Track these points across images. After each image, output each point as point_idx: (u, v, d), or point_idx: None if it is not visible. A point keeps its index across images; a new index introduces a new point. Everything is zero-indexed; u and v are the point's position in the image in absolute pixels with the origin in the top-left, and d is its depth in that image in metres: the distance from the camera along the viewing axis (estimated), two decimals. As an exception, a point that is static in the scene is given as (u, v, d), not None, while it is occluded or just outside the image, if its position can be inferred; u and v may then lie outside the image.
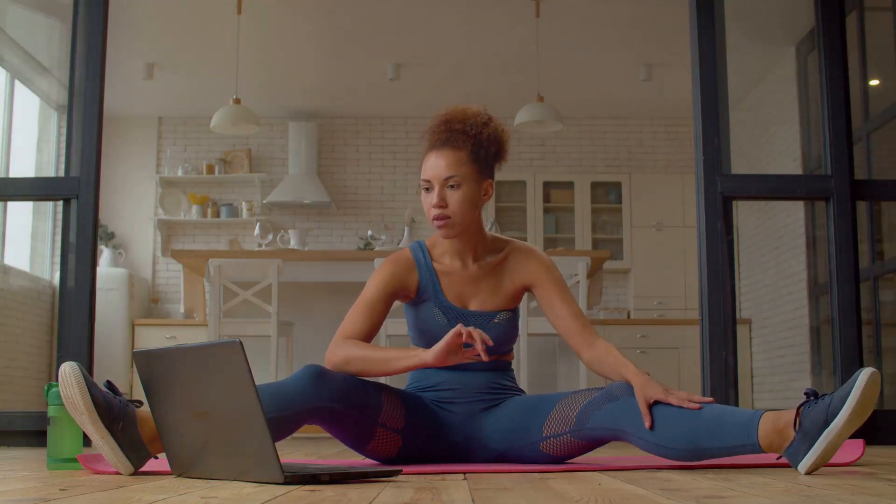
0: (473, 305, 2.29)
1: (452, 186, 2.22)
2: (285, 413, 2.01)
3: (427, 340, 2.26)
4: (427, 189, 2.25)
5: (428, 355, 2.05)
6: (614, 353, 2.17)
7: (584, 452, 2.20)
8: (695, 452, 1.97)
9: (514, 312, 2.33)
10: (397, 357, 2.11)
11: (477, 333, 1.99)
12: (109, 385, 1.96)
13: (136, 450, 1.91)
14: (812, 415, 1.87)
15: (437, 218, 2.23)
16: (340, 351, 2.15)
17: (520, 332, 4.01)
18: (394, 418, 2.18)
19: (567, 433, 2.14)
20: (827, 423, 1.83)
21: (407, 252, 2.33)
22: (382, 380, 2.19)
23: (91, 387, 1.88)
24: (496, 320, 2.29)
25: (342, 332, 2.22)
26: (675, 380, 7.30)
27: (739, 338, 5.15)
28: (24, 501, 1.38)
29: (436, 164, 2.23)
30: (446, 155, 2.23)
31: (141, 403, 1.96)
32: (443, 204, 2.21)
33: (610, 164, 8.55)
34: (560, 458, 2.18)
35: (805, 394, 1.92)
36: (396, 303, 2.35)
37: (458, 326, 2.01)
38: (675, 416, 1.99)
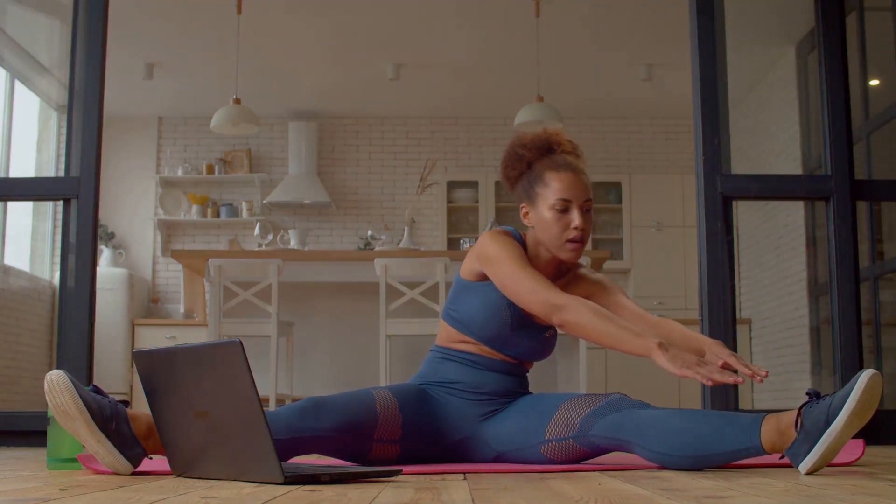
0: (536, 318, 2.28)
1: (587, 210, 2.24)
2: (276, 438, 2.00)
3: (475, 326, 2.25)
4: (562, 210, 2.22)
5: (665, 356, 1.98)
6: (678, 326, 2.26)
7: (585, 459, 2.20)
8: (699, 460, 1.97)
9: (556, 329, 2.37)
10: (630, 341, 2.04)
11: (742, 364, 1.99)
12: (95, 388, 1.96)
13: (131, 448, 1.90)
14: (813, 415, 1.87)
15: (574, 240, 2.22)
16: (584, 314, 2.09)
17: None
18: (390, 431, 2.17)
19: (570, 438, 2.14)
20: (828, 424, 1.83)
21: (512, 238, 2.29)
22: (382, 385, 2.18)
23: (80, 391, 1.87)
24: (547, 335, 2.33)
25: (551, 294, 2.13)
26: (674, 380, 7.30)
27: (739, 338, 5.14)
28: (24, 501, 1.38)
29: (577, 184, 2.23)
30: (583, 177, 2.25)
31: (128, 403, 1.96)
32: (586, 226, 2.22)
33: (610, 164, 8.55)
34: (560, 463, 2.18)
35: (807, 394, 1.92)
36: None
37: (731, 356, 2.02)
38: (678, 425, 1.99)
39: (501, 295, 2.24)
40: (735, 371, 2.02)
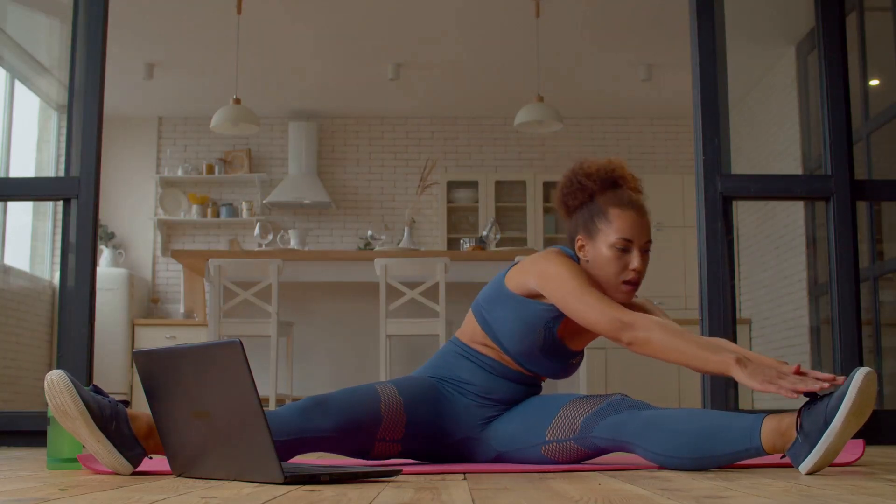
0: (569, 343, 2.26)
1: (646, 251, 2.21)
2: (277, 439, 2.00)
3: (504, 337, 2.22)
4: (622, 249, 2.17)
5: (744, 373, 1.91)
6: (728, 342, 2.25)
7: (586, 460, 2.19)
8: (700, 461, 1.97)
9: (583, 355, 2.36)
10: (705, 358, 1.98)
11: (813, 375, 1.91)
12: (95, 388, 1.95)
13: (131, 448, 1.90)
14: (812, 416, 1.86)
15: (631, 282, 2.19)
16: (655, 331, 2.03)
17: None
18: (393, 430, 2.16)
19: (571, 440, 2.14)
20: (826, 425, 1.83)
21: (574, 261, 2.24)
22: (387, 382, 2.16)
23: (81, 391, 1.87)
24: (573, 361, 2.31)
25: (619, 312, 2.07)
26: (674, 380, 7.30)
27: (739, 338, 5.15)
28: (24, 501, 1.38)
29: (640, 224, 2.19)
30: (646, 217, 2.22)
31: (128, 402, 1.96)
32: (643, 269, 2.19)
33: (610, 164, 8.53)
34: (560, 463, 2.18)
35: (805, 395, 1.92)
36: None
37: (797, 367, 1.92)
38: (679, 426, 1.99)
39: (541, 316, 2.19)
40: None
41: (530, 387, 2.31)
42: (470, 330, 2.30)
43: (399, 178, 8.55)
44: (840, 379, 1.85)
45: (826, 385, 1.84)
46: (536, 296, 2.20)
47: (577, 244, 2.24)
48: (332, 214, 8.48)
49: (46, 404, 2.13)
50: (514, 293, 2.22)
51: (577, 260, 2.25)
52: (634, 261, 2.18)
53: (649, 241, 2.21)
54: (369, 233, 6.33)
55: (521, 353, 2.23)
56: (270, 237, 6.22)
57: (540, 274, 2.17)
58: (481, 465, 2.18)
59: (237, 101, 6.19)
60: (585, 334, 2.28)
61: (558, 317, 2.19)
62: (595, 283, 2.21)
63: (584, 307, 2.10)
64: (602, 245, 2.18)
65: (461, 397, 2.26)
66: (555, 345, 2.23)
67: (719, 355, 1.97)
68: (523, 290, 2.21)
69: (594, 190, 2.23)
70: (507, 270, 2.29)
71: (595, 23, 6.52)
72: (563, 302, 2.13)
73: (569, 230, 2.30)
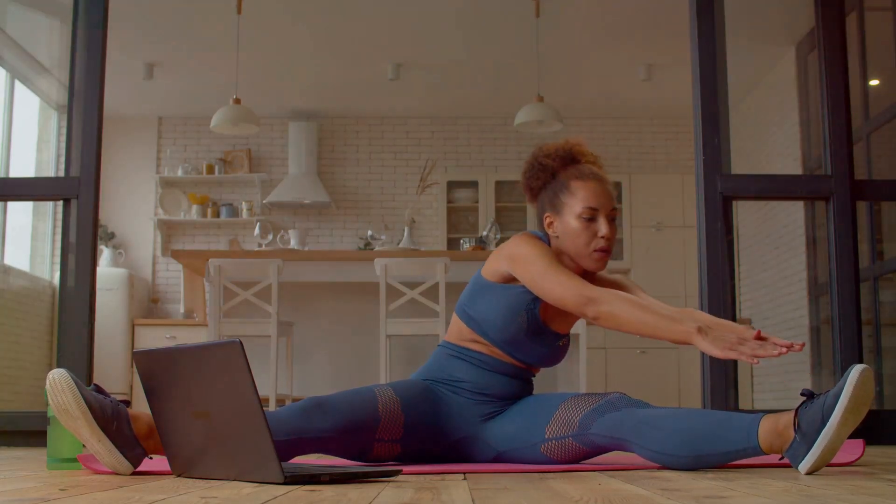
0: (552, 325, 2.28)
1: (613, 220, 2.24)
2: (277, 439, 2.00)
3: (489, 327, 2.24)
4: (589, 218, 2.21)
5: (706, 341, 1.95)
6: (702, 313, 2.27)
7: (585, 459, 2.20)
8: (697, 460, 1.97)
9: (569, 339, 2.38)
10: (668, 328, 2.02)
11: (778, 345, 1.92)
12: (97, 388, 1.95)
13: (131, 448, 1.90)
14: (809, 415, 1.86)
15: (602, 249, 2.21)
16: (619, 304, 2.07)
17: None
18: (392, 431, 2.16)
19: (569, 437, 2.14)
20: (823, 423, 1.83)
21: (543, 241, 2.27)
22: (384, 385, 2.16)
23: (82, 390, 1.87)
24: (560, 343, 2.33)
25: (584, 287, 2.11)
26: (674, 380, 7.30)
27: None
28: (24, 501, 1.38)
29: (603, 193, 2.23)
30: (608, 186, 2.25)
31: (129, 402, 1.96)
32: (612, 235, 2.22)
33: (610, 164, 8.49)
34: (560, 462, 2.18)
35: (801, 394, 1.92)
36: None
37: (758, 332, 1.95)
38: (677, 425, 1.99)
39: (520, 299, 2.23)
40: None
41: (524, 380, 2.33)
42: (456, 330, 2.33)
43: (399, 178, 8.55)
44: (798, 346, 1.88)
45: (784, 350, 1.88)
46: (512, 280, 2.24)
47: (546, 222, 2.29)
48: (332, 214, 8.48)
49: (47, 404, 2.14)
50: (491, 282, 2.27)
51: (547, 241, 2.29)
52: (602, 227, 2.22)
53: (615, 209, 2.26)
54: (369, 233, 6.33)
55: (508, 342, 2.25)
56: (270, 237, 6.22)
57: (509, 257, 2.23)
58: (481, 465, 2.19)
59: (237, 101, 6.20)
60: (568, 316, 2.31)
61: (537, 298, 2.23)
62: (568, 259, 2.26)
63: (550, 284, 2.14)
64: (569, 217, 2.23)
65: (457, 397, 2.27)
66: (539, 328, 2.25)
67: (682, 325, 2.01)
68: (498, 276, 2.26)
69: (555, 168, 2.29)
70: (481, 267, 2.34)
71: (595, 23, 6.52)
72: (532, 282, 2.18)
73: (537, 212, 2.34)
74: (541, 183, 2.30)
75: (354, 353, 5.92)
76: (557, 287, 2.13)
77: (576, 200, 2.22)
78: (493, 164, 8.57)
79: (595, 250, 2.22)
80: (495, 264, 2.27)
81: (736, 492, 1.48)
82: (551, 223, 2.28)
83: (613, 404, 2.11)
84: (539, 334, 2.26)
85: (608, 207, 2.23)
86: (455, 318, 2.34)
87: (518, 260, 2.20)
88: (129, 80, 7.36)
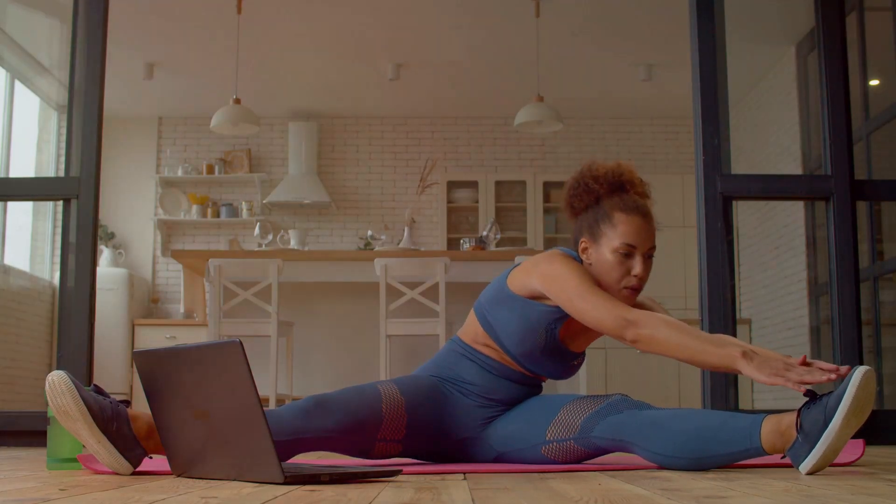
0: (570, 345, 2.26)
1: (650, 257, 2.19)
2: (278, 439, 2.00)
3: (505, 338, 2.21)
4: (626, 254, 2.16)
5: (751, 366, 1.89)
6: (732, 339, 2.20)
7: (586, 460, 2.19)
8: (700, 461, 1.97)
9: (585, 357, 2.35)
10: (711, 352, 1.96)
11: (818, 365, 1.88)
12: (97, 389, 1.95)
13: (131, 449, 1.90)
14: (811, 416, 1.86)
15: (633, 287, 2.17)
16: (660, 328, 2.01)
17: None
18: (394, 430, 2.16)
19: (571, 440, 2.14)
20: (826, 424, 1.83)
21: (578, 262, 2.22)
22: (388, 382, 2.15)
23: (82, 392, 1.86)
24: (575, 362, 2.30)
25: (624, 310, 2.06)
26: (674, 380, 7.30)
27: (739, 338, 5.14)
28: (24, 501, 1.38)
29: (644, 231, 2.17)
30: (652, 224, 2.19)
31: (129, 402, 1.96)
32: (645, 275, 2.17)
33: (610, 164, 8.53)
34: (560, 464, 2.18)
35: (804, 395, 1.92)
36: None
37: (804, 357, 1.89)
38: (679, 426, 1.99)
39: (543, 318, 2.18)
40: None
41: (531, 387, 2.31)
42: (472, 330, 2.29)
43: (399, 178, 8.55)
44: (844, 369, 1.84)
45: (833, 376, 1.83)
46: (539, 297, 2.19)
47: (581, 246, 2.24)
48: (332, 214, 8.48)
49: (46, 404, 2.14)
50: (517, 295, 2.21)
51: (580, 261, 2.24)
52: (637, 267, 2.16)
53: (653, 248, 2.19)
54: (369, 233, 6.33)
55: (523, 355, 2.23)
56: (270, 237, 6.22)
57: (543, 275, 2.17)
58: (481, 465, 2.18)
59: (237, 101, 6.20)
60: (587, 336, 2.28)
61: (561, 318, 2.19)
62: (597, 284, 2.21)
63: (588, 306, 2.09)
64: (605, 249, 2.17)
65: (463, 398, 2.26)
66: (556, 346, 2.22)
67: (725, 349, 1.95)
68: (526, 291, 2.20)
69: (601, 193, 2.23)
70: (508, 271, 2.29)
71: (595, 23, 6.52)
72: (569, 302, 2.12)
73: (573, 231, 2.29)
74: (584, 205, 2.25)
75: (354, 353, 5.92)
76: (594, 310, 2.08)
77: (616, 234, 2.16)
78: (493, 164, 8.56)
79: (625, 287, 2.17)
80: (525, 278, 2.21)
81: (736, 492, 1.48)
82: (586, 249, 2.22)
83: (615, 407, 2.10)
84: (555, 352, 2.23)
85: (647, 246, 2.17)
86: (473, 317, 2.31)
87: (553, 279, 2.14)
88: (129, 80, 7.36)
